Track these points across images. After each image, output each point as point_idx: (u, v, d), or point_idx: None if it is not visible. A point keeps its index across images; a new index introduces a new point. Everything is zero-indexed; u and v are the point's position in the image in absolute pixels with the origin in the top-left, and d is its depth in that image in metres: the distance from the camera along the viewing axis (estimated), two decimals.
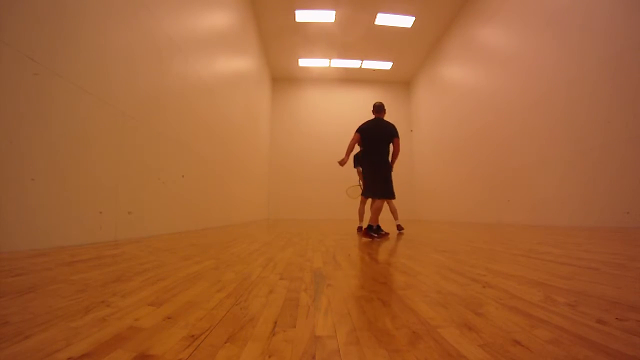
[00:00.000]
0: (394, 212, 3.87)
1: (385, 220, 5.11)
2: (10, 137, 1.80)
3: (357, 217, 4.79)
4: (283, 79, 12.84)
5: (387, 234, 3.57)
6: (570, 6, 4.99)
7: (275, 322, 0.76)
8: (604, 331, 0.68)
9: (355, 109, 12.68)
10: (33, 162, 1.94)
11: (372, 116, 3.73)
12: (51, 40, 2.07)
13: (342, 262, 1.74)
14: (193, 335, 0.67)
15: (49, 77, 2.04)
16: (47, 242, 2.03)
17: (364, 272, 1.47)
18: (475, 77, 8.05)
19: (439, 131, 10.36)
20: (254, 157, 9.07)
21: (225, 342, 0.64)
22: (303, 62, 11.69)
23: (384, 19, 9.09)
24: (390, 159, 3.59)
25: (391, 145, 3.59)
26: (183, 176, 4.06)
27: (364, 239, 3.14)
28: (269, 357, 0.58)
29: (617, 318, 0.75)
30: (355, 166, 4.69)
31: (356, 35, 9.79)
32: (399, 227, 4.09)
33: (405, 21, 9.16)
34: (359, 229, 4.47)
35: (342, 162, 3.69)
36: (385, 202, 3.81)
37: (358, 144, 3.65)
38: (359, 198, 4.72)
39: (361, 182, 4.75)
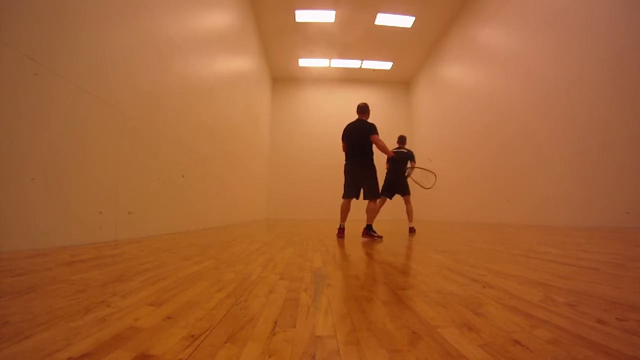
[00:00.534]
0: (369, 211, 3.59)
1: (379, 222, 5.11)
2: (10, 137, 1.80)
3: (363, 217, 4.73)
4: (283, 79, 12.83)
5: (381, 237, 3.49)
6: (570, 6, 4.99)
7: (275, 322, 0.76)
8: (604, 331, 0.68)
9: (355, 109, 12.67)
10: (33, 162, 1.94)
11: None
12: (51, 40, 2.07)
13: (342, 262, 1.74)
14: (193, 335, 0.67)
15: (49, 77, 2.04)
16: (47, 242, 2.02)
17: (364, 272, 1.47)
18: (475, 77, 8.05)
19: (438, 131, 10.35)
20: (254, 157, 9.07)
21: (225, 342, 0.64)
22: (303, 62, 11.68)
23: (384, 19, 9.09)
24: (379, 158, 3.51)
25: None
26: (183, 176, 4.06)
27: (363, 239, 3.15)
28: (269, 357, 0.58)
29: (617, 318, 0.75)
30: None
31: (356, 35, 9.79)
32: (367, 232, 3.58)
33: (405, 21, 9.16)
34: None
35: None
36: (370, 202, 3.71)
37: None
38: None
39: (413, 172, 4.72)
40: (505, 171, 6.75)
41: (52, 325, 0.71)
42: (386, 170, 4.70)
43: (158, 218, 3.43)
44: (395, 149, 4.75)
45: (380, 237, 3.33)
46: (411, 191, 4.73)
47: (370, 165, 3.45)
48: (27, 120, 1.90)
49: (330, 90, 12.90)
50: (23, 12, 1.88)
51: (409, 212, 4.54)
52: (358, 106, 3.66)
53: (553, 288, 1.07)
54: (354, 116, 3.69)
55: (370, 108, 3.70)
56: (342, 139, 3.59)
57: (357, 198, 3.49)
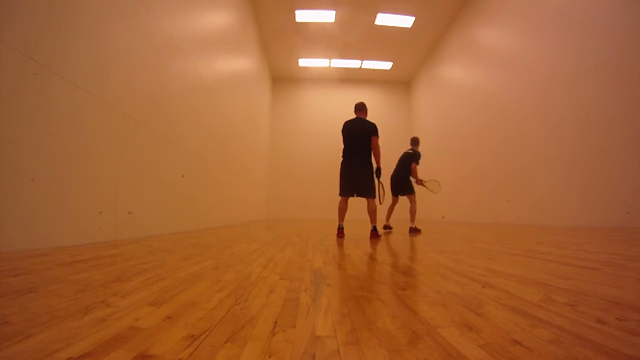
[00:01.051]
0: (371, 213, 3.37)
1: (383, 221, 5.12)
2: (10, 137, 1.80)
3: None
4: (283, 79, 12.83)
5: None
6: (571, 6, 4.99)
7: (275, 322, 0.76)
8: (603, 331, 0.68)
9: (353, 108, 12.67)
10: (33, 162, 1.94)
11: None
12: (51, 40, 2.07)
13: (342, 262, 1.74)
14: (193, 335, 0.67)
15: (49, 77, 2.04)
16: (47, 242, 2.02)
17: (364, 272, 1.47)
18: (475, 77, 8.05)
19: (438, 131, 10.36)
20: (254, 157, 9.07)
21: (225, 342, 0.64)
22: (303, 62, 11.68)
23: (384, 19, 9.09)
24: (374, 160, 3.52)
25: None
26: (183, 176, 4.06)
27: (373, 240, 3.11)
28: (269, 357, 0.58)
29: (617, 318, 0.75)
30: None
31: (356, 35, 9.79)
32: (375, 234, 3.49)
33: (405, 21, 9.16)
34: (385, 227, 4.61)
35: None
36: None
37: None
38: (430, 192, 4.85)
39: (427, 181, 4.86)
40: (505, 171, 6.75)
41: (52, 325, 0.71)
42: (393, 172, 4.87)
43: (158, 218, 3.43)
44: (408, 150, 4.92)
45: (380, 235, 3.35)
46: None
47: (370, 164, 3.47)
48: (27, 120, 1.90)
49: (330, 90, 12.90)
50: (23, 12, 1.88)
51: (412, 212, 4.58)
52: (356, 104, 3.68)
53: (553, 288, 1.07)
54: (353, 116, 3.69)
55: (367, 107, 3.72)
56: (342, 133, 3.60)
57: (354, 196, 3.48)
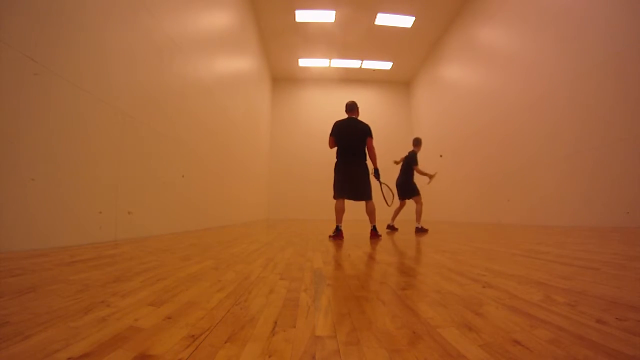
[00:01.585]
0: (370, 213, 3.41)
1: (382, 223, 5.12)
2: (10, 137, 1.80)
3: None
4: (283, 79, 12.83)
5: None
6: (571, 6, 4.99)
7: (275, 322, 0.76)
8: (603, 331, 0.68)
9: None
10: (33, 162, 1.94)
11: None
12: (51, 40, 2.07)
13: (342, 262, 1.74)
14: (193, 335, 0.67)
15: (49, 77, 2.04)
16: (47, 242, 2.03)
17: (364, 272, 1.47)
18: (475, 77, 8.05)
19: (438, 131, 10.36)
20: (254, 157, 9.07)
21: (225, 342, 0.64)
22: (303, 62, 11.68)
23: (384, 19, 9.09)
24: (369, 161, 3.46)
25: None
26: (183, 176, 4.06)
27: (373, 240, 3.11)
28: (269, 357, 0.58)
29: (617, 318, 0.75)
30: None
31: (356, 35, 9.79)
32: (375, 234, 3.46)
33: (405, 21, 9.16)
34: (389, 226, 4.63)
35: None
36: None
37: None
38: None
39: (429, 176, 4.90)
40: (505, 171, 6.75)
41: (52, 325, 0.71)
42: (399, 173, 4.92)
43: (158, 218, 3.43)
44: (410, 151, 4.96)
45: (380, 235, 3.35)
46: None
47: (365, 166, 3.40)
48: (27, 120, 1.90)
49: (330, 90, 12.89)
50: (23, 12, 1.88)
51: (418, 213, 4.63)
52: (347, 104, 3.54)
53: (553, 288, 1.07)
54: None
55: (363, 107, 3.66)
56: (332, 135, 3.43)
57: (349, 198, 3.40)
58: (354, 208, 4.14)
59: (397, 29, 9.52)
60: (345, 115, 3.54)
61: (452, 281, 1.22)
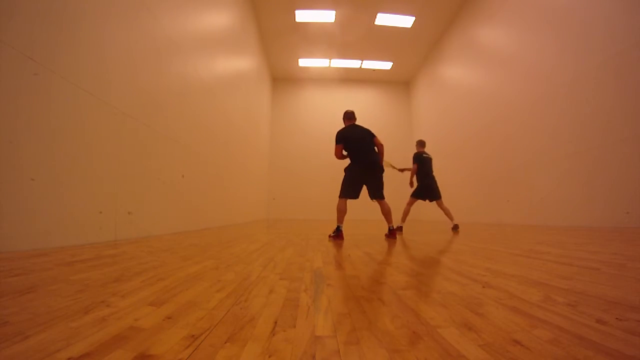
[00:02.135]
0: (387, 214, 3.47)
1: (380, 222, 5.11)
2: (10, 137, 1.80)
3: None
4: (283, 79, 12.84)
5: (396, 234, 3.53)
6: (571, 6, 4.99)
7: (275, 322, 0.76)
8: (603, 331, 0.68)
9: (355, 109, 12.58)
10: (33, 162, 1.94)
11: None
12: (51, 40, 2.07)
13: (342, 262, 1.74)
14: (193, 335, 0.67)
15: (49, 77, 2.04)
16: (47, 242, 2.02)
17: (364, 272, 1.47)
18: (475, 77, 8.05)
19: (438, 131, 10.36)
20: (254, 157, 9.07)
21: (225, 342, 0.64)
22: (303, 62, 11.69)
23: (384, 19, 9.09)
24: (380, 159, 3.50)
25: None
26: (183, 176, 4.06)
27: (389, 241, 3.11)
28: (269, 357, 0.58)
29: (617, 318, 0.75)
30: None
31: (356, 35, 9.79)
32: (392, 232, 3.59)
33: (405, 21, 9.16)
34: (399, 228, 4.56)
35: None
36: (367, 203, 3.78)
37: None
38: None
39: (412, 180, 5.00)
40: (505, 171, 6.75)
41: (52, 325, 0.71)
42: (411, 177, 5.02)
43: (158, 218, 3.43)
44: (422, 153, 5.05)
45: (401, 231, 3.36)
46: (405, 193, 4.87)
47: (380, 165, 3.46)
48: (27, 120, 1.90)
49: (330, 90, 12.90)
50: (23, 12, 1.88)
51: (447, 211, 4.83)
52: (347, 113, 3.63)
53: (553, 288, 1.07)
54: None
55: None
56: (340, 143, 3.45)
57: (355, 198, 3.43)
58: (354, 208, 4.15)
59: (397, 29, 9.52)
60: (343, 125, 3.63)
61: (452, 281, 1.22)
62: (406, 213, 4.90)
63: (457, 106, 9.03)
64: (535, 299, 0.94)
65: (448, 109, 9.71)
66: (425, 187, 4.92)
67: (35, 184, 1.94)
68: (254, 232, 4.16)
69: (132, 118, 2.95)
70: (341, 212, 3.37)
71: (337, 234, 3.15)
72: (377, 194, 3.41)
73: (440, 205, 4.98)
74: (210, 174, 5.17)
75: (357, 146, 3.42)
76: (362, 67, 11.99)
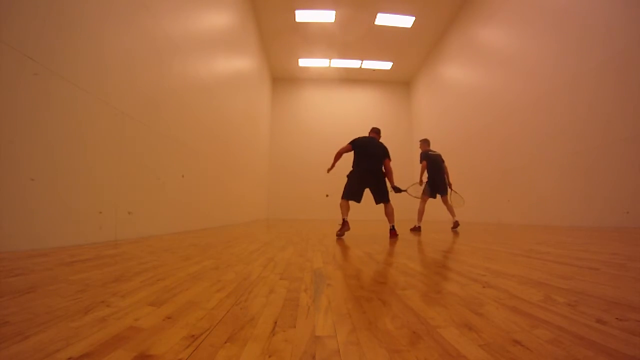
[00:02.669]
0: (389, 214, 3.55)
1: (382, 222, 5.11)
2: (10, 137, 1.80)
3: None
4: (283, 79, 12.83)
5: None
6: (571, 6, 4.99)
7: (275, 322, 0.76)
8: (604, 331, 0.68)
9: (356, 109, 12.69)
10: (33, 162, 1.94)
11: (369, 126, 3.88)
12: (51, 40, 2.07)
13: (342, 262, 1.74)
14: (193, 335, 0.67)
15: (49, 77, 2.04)
16: (47, 242, 2.02)
17: (364, 272, 1.47)
18: (475, 77, 8.04)
19: (438, 131, 10.35)
20: (253, 157, 9.07)
21: (225, 342, 0.64)
22: (303, 62, 11.68)
23: (384, 19, 9.09)
24: (386, 176, 3.71)
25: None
26: (183, 176, 4.06)
27: (392, 239, 3.23)
28: (269, 357, 0.58)
29: (617, 318, 0.75)
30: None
31: (356, 35, 9.79)
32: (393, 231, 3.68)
33: (405, 21, 9.16)
34: (416, 228, 4.59)
35: (329, 169, 3.87)
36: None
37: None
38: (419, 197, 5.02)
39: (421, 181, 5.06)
40: (505, 171, 6.75)
41: (52, 325, 0.71)
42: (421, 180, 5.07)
43: (158, 218, 3.43)
44: (429, 151, 5.11)
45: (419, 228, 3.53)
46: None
47: (383, 175, 3.67)
48: (27, 120, 1.90)
49: (330, 90, 12.89)
50: (23, 12, 1.88)
51: (450, 208, 4.94)
52: (374, 128, 3.95)
53: (553, 288, 1.07)
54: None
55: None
56: (351, 144, 3.69)
57: (355, 201, 3.60)
58: (355, 209, 4.16)
59: (397, 29, 9.52)
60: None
61: (452, 281, 1.22)
62: (421, 212, 4.89)
63: (457, 106, 9.03)
64: (535, 299, 0.94)
65: (448, 109, 9.71)
66: (435, 182, 4.97)
67: (35, 184, 1.94)
68: (254, 232, 4.17)
69: (132, 118, 2.95)
70: (343, 207, 3.59)
71: (343, 225, 3.43)
72: (382, 199, 3.62)
73: (445, 202, 5.02)
74: (210, 174, 5.17)
75: (364, 158, 3.63)
76: (362, 67, 11.99)
